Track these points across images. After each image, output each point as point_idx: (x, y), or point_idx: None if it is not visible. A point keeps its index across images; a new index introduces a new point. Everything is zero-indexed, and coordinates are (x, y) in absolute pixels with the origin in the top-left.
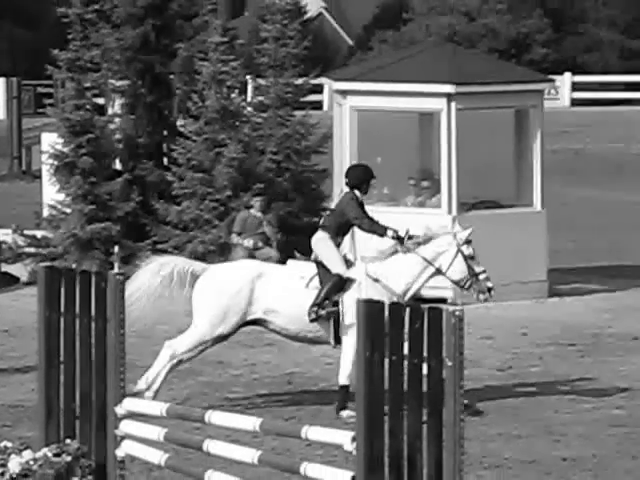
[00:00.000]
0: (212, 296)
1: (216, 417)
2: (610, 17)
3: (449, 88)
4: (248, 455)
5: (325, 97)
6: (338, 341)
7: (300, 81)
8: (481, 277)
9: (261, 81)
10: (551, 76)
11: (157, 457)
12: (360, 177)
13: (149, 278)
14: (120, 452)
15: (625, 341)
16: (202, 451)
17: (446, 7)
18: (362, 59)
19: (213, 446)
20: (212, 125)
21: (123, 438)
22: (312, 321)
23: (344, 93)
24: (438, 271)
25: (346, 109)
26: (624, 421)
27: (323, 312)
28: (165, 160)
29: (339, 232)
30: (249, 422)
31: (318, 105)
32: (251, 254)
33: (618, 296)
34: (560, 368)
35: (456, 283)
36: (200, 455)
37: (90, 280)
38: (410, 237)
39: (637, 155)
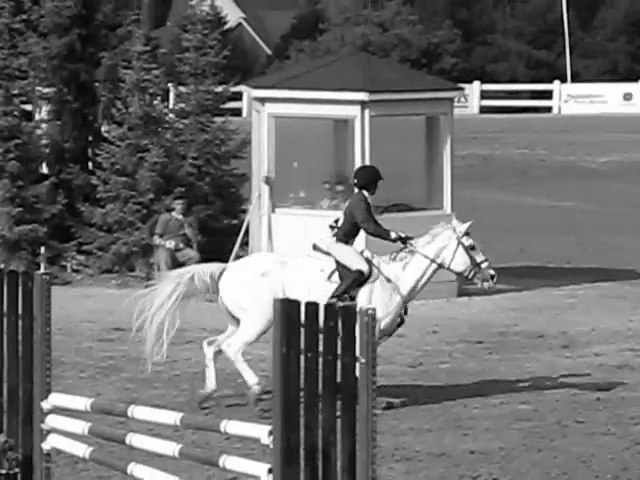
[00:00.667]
0: (248, 291)
1: (138, 412)
2: (517, 28)
3: (363, 96)
4: (169, 448)
5: (244, 104)
6: None
7: (220, 89)
8: (483, 266)
9: (182, 89)
10: (460, 85)
11: (82, 450)
12: (368, 178)
13: (171, 289)
14: (46, 445)
15: (531, 339)
16: (125, 444)
17: (360, 18)
18: (280, 68)
19: (136, 440)
20: (135, 131)
21: (49, 432)
22: None
23: (262, 100)
24: (442, 266)
25: (264, 116)
26: (530, 416)
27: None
28: (90, 164)
29: (349, 233)
30: (170, 417)
31: (237, 112)
32: (172, 255)
33: (525, 295)
34: (469, 365)
35: (460, 274)
36: (123, 448)
37: (17, 280)
38: (410, 238)
39: (542, 160)
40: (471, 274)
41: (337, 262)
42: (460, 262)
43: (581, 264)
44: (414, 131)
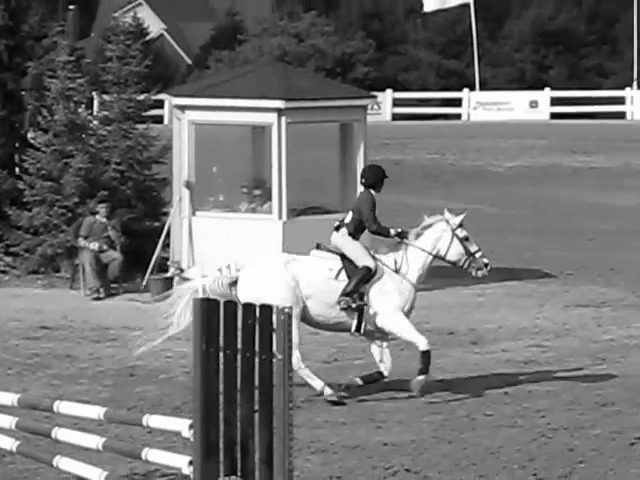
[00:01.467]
0: (266, 291)
1: (64, 407)
2: (428, 39)
3: (279, 103)
4: (93, 442)
5: (165, 112)
6: (358, 329)
7: (142, 97)
8: (477, 255)
9: (106, 97)
10: (373, 93)
11: (9, 444)
12: (375, 177)
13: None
14: None
15: (441, 335)
16: (51, 438)
17: (277, 29)
18: (199, 77)
19: (61, 433)
20: (60, 137)
21: None
22: (342, 310)
23: (183, 108)
24: (438, 256)
25: (184, 123)
26: (440, 409)
27: (354, 304)
28: (17, 169)
29: (358, 229)
30: (94, 411)
31: (159, 119)
32: (97, 256)
33: (435, 294)
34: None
35: (455, 264)
36: (49, 442)
37: None
38: (406, 233)
39: (452, 165)
40: (466, 264)
41: (344, 257)
42: (455, 252)
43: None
44: (329, 137)
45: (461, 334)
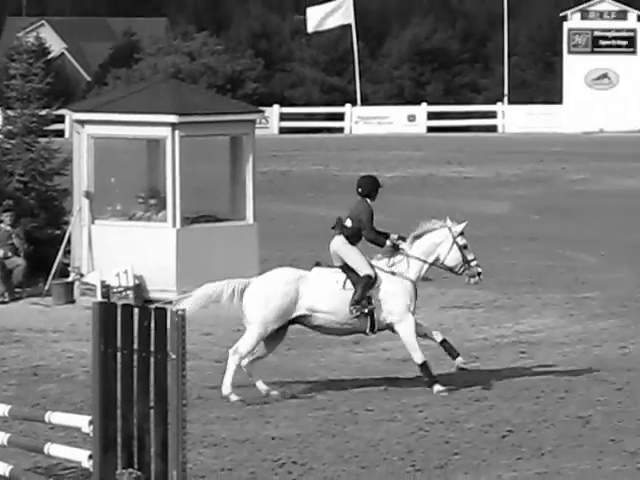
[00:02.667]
0: (264, 301)
1: None
2: (312, 57)
3: (173, 118)
4: None
5: (66, 126)
6: (372, 329)
7: (44, 112)
8: (473, 264)
9: (10, 112)
10: (261, 108)
11: None
12: (370, 187)
13: (205, 294)
14: None
15: (326, 336)
16: None
17: (171, 48)
18: (98, 93)
19: None
20: None
21: None
22: (355, 317)
23: (82, 122)
24: (435, 262)
25: (84, 136)
26: (324, 405)
27: (365, 310)
28: None
29: (356, 235)
30: None
31: (60, 133)
32: (1, 262)
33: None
34: (270, 359)
35: (451, 269)
36: None
37: None
38: (401, 241)
39: (335, 175)
40: (461, 270)
41: (345, 267)
42: (453, 258)
43: None
44: (220, 150)
45: None
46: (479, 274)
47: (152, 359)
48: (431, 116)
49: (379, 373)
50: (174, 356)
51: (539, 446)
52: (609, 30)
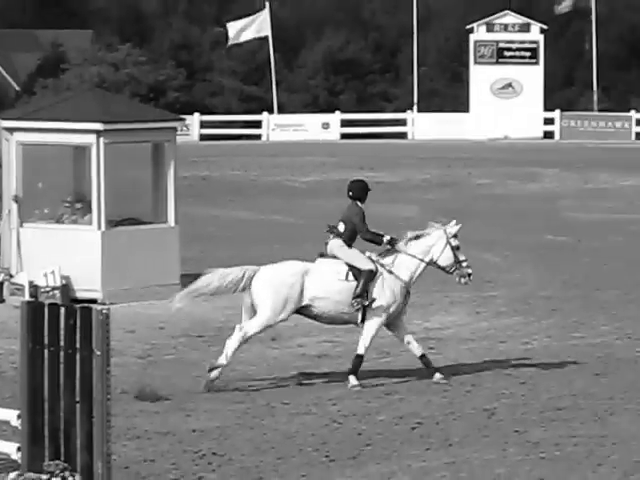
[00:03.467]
0: (273, 290)
1: None
2: (231, 67)
3: (98, 126)
4: None
5: None
6: (363, 321)
7: None
8: (464, 264)
9: None
10: (183, 116)
11: None
12: (360, 190)
13: (216, 279)
14: None
15: None
16: None
17: (96, 59)
18: (27, 102)
19: None
20: None
21: None
22: (357, 310)
23: (11, 130)
24: (430, 261)
25: (13, 143)
26: (243, 399)
27: (366, 303)
28: None
29: (351, 237)
30: None
31: None
32: None
33: (238, 296)
34: (191, 356)
35: (443, 269)
36: None
37: None
38: (396, 241)
39: (253, 180)
40: (452, 270)
41: (347, 264)
42: (446, 258)
43: None
44: (143, 156)
45: None
46: (469, 275)
47: (78, 356)
48: (344, 124)
49: (295, 368)
50: (99, 353)
51: (447, 437)
52: (513, 42)
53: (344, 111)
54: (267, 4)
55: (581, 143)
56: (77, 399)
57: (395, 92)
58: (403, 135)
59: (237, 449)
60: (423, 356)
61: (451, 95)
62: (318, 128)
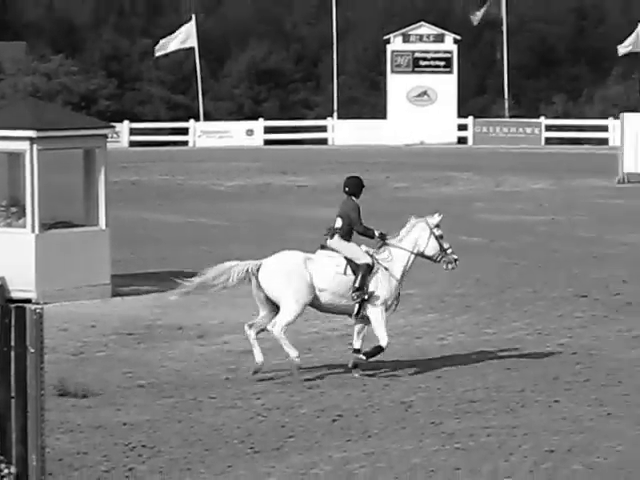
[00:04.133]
0: (286, 279)
1: None
2: (159, 77)
3: (31, 133)
4: None
5: None
6: (358, 313)
7: None
8: (448, 251)
9: None
10: (113, 123)
11: None
12: (356, 186)
13: (222, 272)
14: None
15: (172, 330)
16: None
17: (30, 69)
18: None
19: None
20: None
21: None
22: (357, 302)
23: None
24: (418, 253)
25: None
26: (171, 393)
27: (365, 296)
28: None
29: (349, 232)
30: None
31: None
32: None
33: (166, 295)
34: (122, 353)
35: (430, 257)
36: None
37: None
38: (386, 236)
39: (180, 185)
40: (439, 258)
41: (346, 257)
42: (431, 248)
43: None
44: (75, 161)
45: (189, 329)
46: (455, 260)
47: (13, 353)
48: (268, 130)
49: (221, 364)
50: (33, 350)
51: (366, 429)
52: (428, 52)
53: (267, 118)
54: (193, 16)
55: (493, 148)
56: (12, 394)
57: (316, 100)
58: (324, 141)
59: (166, 442)
60: (357, 351)
61: (369, 103)
62: (242, 135)
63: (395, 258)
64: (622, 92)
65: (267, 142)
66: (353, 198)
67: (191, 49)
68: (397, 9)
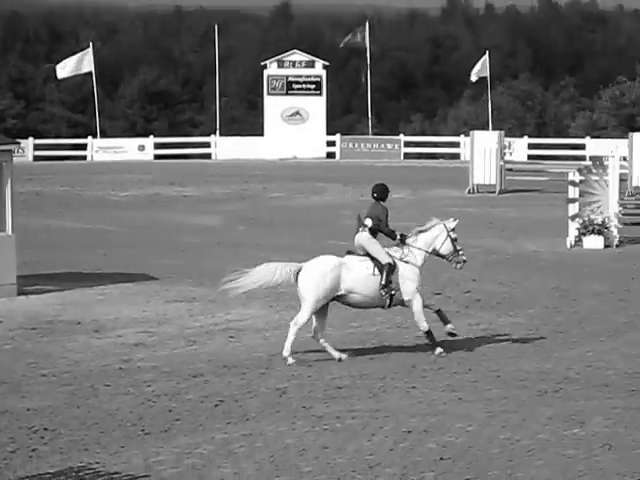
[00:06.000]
0: (315, 283)
1: None
2: (61, 98)
3: None
4: None
5: None
6: (389, 306)
7: None
8: (460, 253)
9: None
10: (19, 140)
11: None
12: (384, 192)
13: (265, 274)
14: None
15: (71, 325)
16: None
17: None
18: None
19: None
20: None
21: None
22: (385, 298)
23: None
24: (433, 250)
25: None
26: (71, 381)
27: (393, 292)
28: None
29: (376, 232)
30: None
31: None
32: None
33: (66, 294)
34: (26, 345)
35: (443, 257)
36: None
37: None
38: (405, 236)
39: (79, 195)
40: (451, 258)
41: (370, 255)
42: (446, 248)
43: (108, 270)
44: None
45: (86, 324)
46: (464, 261)
47: None
48: (157, 146)
49: (115, 355)
50: None
51: (245, 413)
52: (300, 76)
53: (157, 135)
54: (91, 44)
55: (358, 162)
56: None
57: (201, 119)
58: (208, 156)
59: (66, 425)
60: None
61: (248, 121)
62: (135, 150)
63: (412, 253)
64: (472, 112)
65: (157, 157)
66: (381, 202)
67: (89, 73)
68: (273, 38)
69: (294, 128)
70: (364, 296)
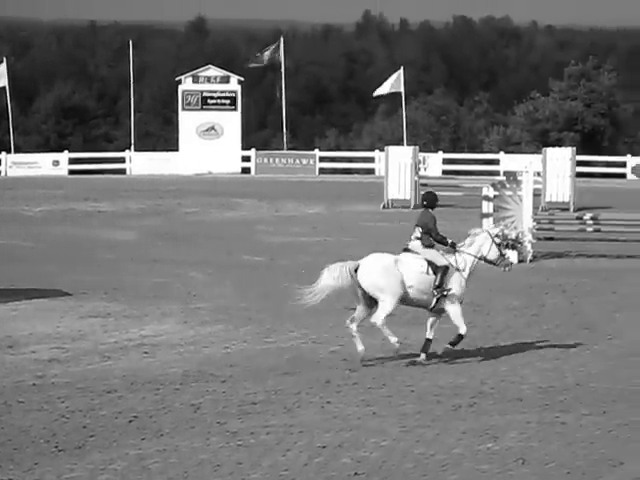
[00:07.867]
0: (385, 278)
1: None
2: None
3: None
4: None
5: None
6: (434, 307)
7: None
8: (507, 257)
9: None
10: None
11: None
12: (433, 200)
13: (331, 278)
14: None
15: None
16: None
17: None
18: None
19: None
20: None
21: None
22: (437, 297)
23: None
24: (482, 257)
25: None
26: None
27: (445, 293)
28: None
29: (427, 239)
30: None
31: None
32: None
33: None
34: None
35: (491, 262)
36: None
37: None
38: (455, 244)
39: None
40: (499, 262)
41: (427, 260)
42: (493, 254)
43: (22, 285)
44: None
45: (0, 340)
46: (511, 263)
47: None
48: (72, 161)
49: (29, 372)
50: None
51: (159, 429)
52: (215, 91)
53: (72, 151)
54: (4, 58)
55: (273, 177)
56: None
57: (115, 134)
58: (122, 171)
59: None
60: (429, 341)
61: (163, 136)
62: (49, 165)
63: (464, 261)
64: (387, 127)
65: (71, 172)
66: (430, 210)
67: (2, 88)
68: (188, 53)
69: (209, 143)
70: (420, 292)
